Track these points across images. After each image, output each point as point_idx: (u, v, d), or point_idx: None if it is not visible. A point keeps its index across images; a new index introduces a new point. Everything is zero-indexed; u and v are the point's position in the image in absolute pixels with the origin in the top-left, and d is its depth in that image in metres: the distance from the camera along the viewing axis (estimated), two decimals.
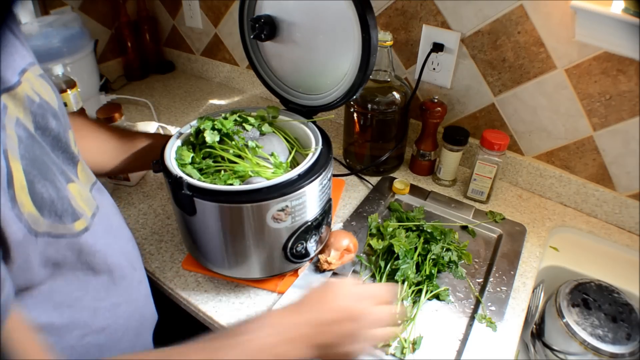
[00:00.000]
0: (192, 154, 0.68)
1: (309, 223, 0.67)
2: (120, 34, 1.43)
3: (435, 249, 0.77)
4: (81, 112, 0.97)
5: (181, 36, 1.52)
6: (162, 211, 0.92)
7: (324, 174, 0.65)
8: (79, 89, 0.98)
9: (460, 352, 0.65)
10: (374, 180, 1.01)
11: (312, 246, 0.71)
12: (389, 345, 0.65)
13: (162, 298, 0.73)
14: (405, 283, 0.73)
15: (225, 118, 0.71)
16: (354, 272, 0.78)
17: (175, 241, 0.84)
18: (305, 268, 0.77)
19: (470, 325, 0.69)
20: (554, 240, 0.90)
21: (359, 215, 0.90)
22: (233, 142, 0.68)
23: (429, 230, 0.81)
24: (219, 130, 0.69)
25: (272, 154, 0.69)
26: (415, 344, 0.66)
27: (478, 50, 0.93)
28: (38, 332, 0.38)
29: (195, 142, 0.70)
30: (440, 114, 0.95)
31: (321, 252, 0.76)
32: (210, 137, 0.67)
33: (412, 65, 1.04)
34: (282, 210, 0.62)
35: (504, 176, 1.02)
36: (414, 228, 0.83)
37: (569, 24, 0.79)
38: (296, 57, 0.77)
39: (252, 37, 0.76)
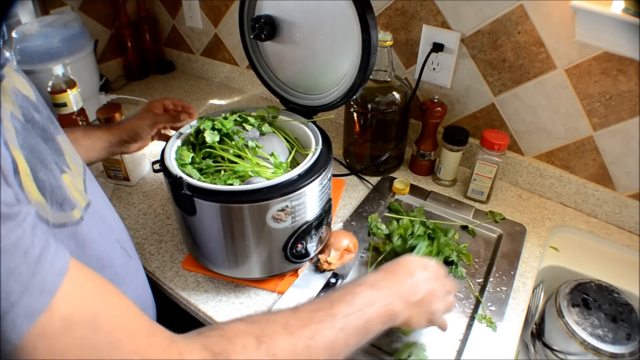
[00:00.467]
0: (192, 154, 0.68)
1: (309, 223, 0.67)
2: (120, 34, 1.43)
3: (443, 239, 0.78)
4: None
5: (181, 36, 1.52)
6: (162, 211, 0.92)
7: (324, 174, 0.65)
8: (79, 89, 0.98)
9: (460, 352, 0.65)
10: (374, 180, 1.01)
11: (312, 246, 0.71)
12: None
13: (162, 298, 0.73)
14: None
15: (225, 118, 0.71)
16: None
17: (175, 241, 0.84)
18: (305, 268, 0.77)
19: (470, 325, 0.69)
20: (554, 240, 0.90)
21: (359, 215, 0.90)
22: (233, 142, 0.68)
23: (430, 227, 0.81)
24: (219, 130, 0.69)
25: (272, 154, 0.69)
26: (415, 344, 0.66)
27: (478, 50, 0.93)
28: None
29: (195, 142, 0.71)
30: (440, 114, 0.95)
31: (321, 252, 0.76)
32: (210, 137, 0.67)
33: (412, 65, 1.04)
34: (282, 210, 0.62)
35: (504, 176, 1.02)
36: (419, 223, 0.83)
37: (569, 24, 0.79)
38: (296, 57, 0.77)
39: (252, 37, 0.76)
